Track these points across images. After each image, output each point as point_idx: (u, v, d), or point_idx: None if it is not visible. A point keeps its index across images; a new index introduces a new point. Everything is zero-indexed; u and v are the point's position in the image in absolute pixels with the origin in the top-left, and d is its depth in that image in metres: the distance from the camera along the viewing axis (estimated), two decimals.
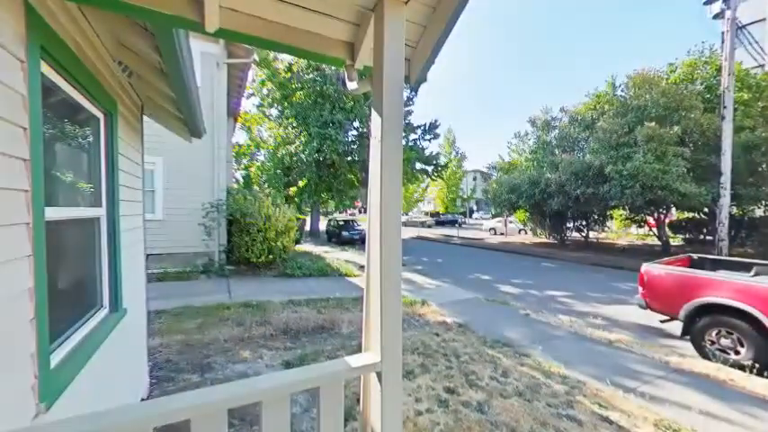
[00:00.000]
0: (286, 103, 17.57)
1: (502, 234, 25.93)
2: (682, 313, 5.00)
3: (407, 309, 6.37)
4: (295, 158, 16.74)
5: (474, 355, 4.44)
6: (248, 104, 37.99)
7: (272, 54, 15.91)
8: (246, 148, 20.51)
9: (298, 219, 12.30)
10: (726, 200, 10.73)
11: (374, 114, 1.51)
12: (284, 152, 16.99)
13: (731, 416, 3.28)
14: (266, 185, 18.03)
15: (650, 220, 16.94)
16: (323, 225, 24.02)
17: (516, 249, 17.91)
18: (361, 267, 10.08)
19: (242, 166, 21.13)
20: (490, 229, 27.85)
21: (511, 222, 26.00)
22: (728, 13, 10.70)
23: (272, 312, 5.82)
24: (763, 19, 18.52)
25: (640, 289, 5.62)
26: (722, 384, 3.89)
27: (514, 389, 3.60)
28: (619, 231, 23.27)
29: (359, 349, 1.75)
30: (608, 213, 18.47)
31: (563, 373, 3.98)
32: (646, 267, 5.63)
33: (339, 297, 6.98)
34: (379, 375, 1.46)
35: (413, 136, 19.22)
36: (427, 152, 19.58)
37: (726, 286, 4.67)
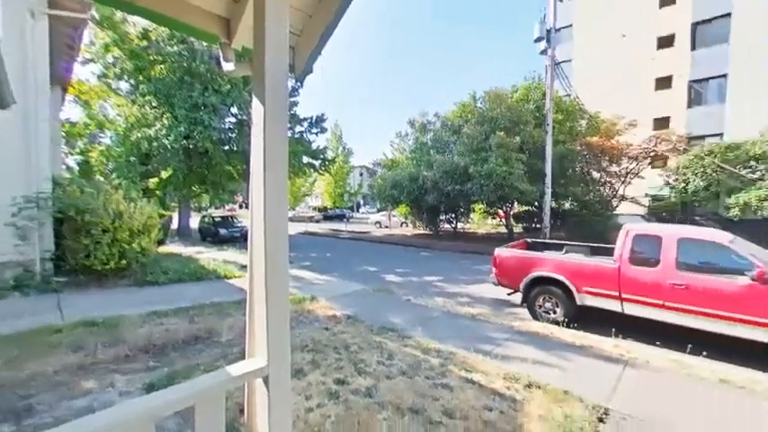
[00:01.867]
0: (141, 77, 14.64)
1: (386, 227, 27.66)
2: (521, 286, 6.30)
3: (296, 307, 6.19)
4: (156, 144, 14.16)
5: (362, 343, 4.63)
6: (85, 72, 30.10)
7: (119, 13, 12.93)
8: (84, 128, 16.28)
9: (161, 216, 10.48)
10: (548, 196, 13.92)
11: (255, 102, 1.40)
12: (140, 136, 14.16)
13: (550, 360, 4.32)
14: (114, 175, 14.75)
15: (500, 212, 20.69)
16: (196, 222, 21.09)
17: (399, 241, 19.40)
18: (244, 267, 9.29)
19: (76, 149, 16.73)
20: (376, 223, 29.37)
21: (394, 216, 27.97)
22: (550, 52, 13.83)
23: (127, 329, 4.83)
24: (570, 60, 24.61)
25: (494, 269, 6.83)
26: (546, 338, 5.08)
27: (399, 369, 3.91)
28: (479, 222, 27.66)
29: (242, 356, 1.62)
30: (471, 207, 21.72)
31: (438, 348, 4.52)
32: (497, 251, 6.87)
33: (218, 302, 6.27)
34: (266, 380, 1.38)
35: (299, 128, 18.62)
36: (314, 146, 19.28)
37: (548, 262, 6.10)
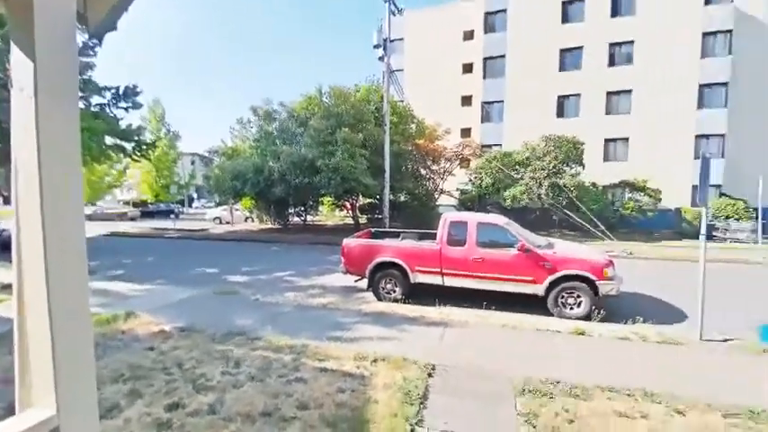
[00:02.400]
0: None
1: (228, 223, 24.90)
2: (366, 272, 6.88)
3: (103, 329, 4.85)
4: None
5: (202, 357, 4.06)
6: None
7: None
8: None
9: None
10: (387, 190, 15.64)
11: (18, 54, 0.99)
12: None
13: (392, 334, 4.92)
14: None
15: (347, 204, 21.87)
16: None
17: (244, 237, 17.83)
18: (7, 288, 6.60)
19: None
20: (215, 219, 26.01)
21: (237, 210, 25.45)
22: (386, 60, 15.38)
23: None
24: (402, 69, 28.06)
25: (342, 259, 7.19)
26: (389, 315, 5.74)
27: (248, 375, 3.64)
28: (328, 215, 28.41)
29: (10, 411, 1.16)
30: (320, 200, 22.05)
31: (291, 344, 4.44)
32: (345, 242, 7.26)
33: None
34: None
35: (99, 99, 14.36)
36: (124, 124, 15.30)
37: (388, 249, 6.87)
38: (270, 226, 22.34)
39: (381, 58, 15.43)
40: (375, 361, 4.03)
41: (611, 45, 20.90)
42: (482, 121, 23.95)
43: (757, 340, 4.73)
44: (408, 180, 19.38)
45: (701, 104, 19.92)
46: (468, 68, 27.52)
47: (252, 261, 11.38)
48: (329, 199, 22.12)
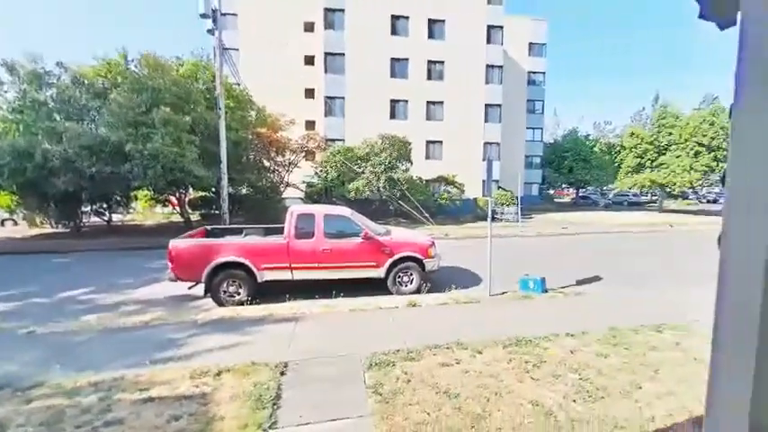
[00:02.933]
0: None
1: None
2: (203, 276, 6.02)
3: None
4: None
5: None
6: None
7: None
8: None
9: None
10: (225, 182, 13.99)
11: None
12: None
13: (238, 339, 4.51)
14: None
15: (173, 199, 18.40)
16: None
17: (3, 249, 12.51)
18: None
19: None
20: None
21: None
22: (216, 34, 13.56)
23: None
24: (237, 49, 25.42)
25: (170, 264, 6.04)
26: (233, 320, 5.21)
27: None
28: (145, 212, 23.17)
29: None
30: (132, 194, 17.74)
31: (94, 381, 3.45)
32: (172, 243, 6.11)
33: None
34: None
35: None
36: None
37: (230, 247, 6.20)
38: (49, 230, 16.48)
39: (211, 32, 13.50)
40: (219, 374, 3.61)
41: (429, 62, 24.94)
42: (326, 115, 24.46)
43: (519, 290, 6.75)
44: (250, 171, 17.91)
45: (486, 119, 26.33)
46: (310, 60, 27.44)
47: (20, 281, 8.12)
48: (147, 193, 18.08)
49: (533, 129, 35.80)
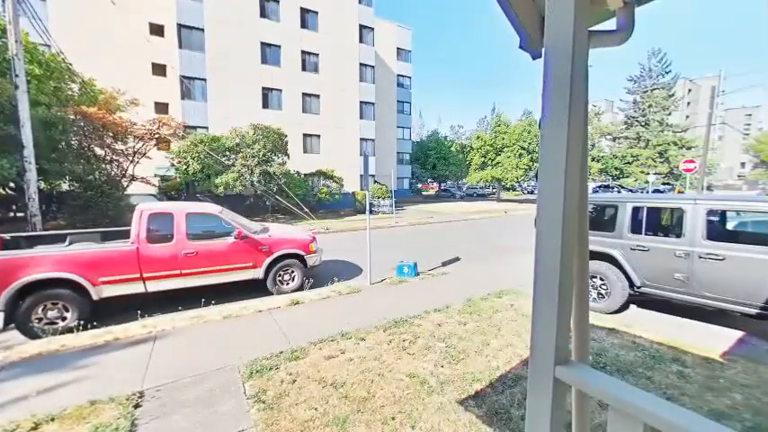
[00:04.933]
0: None
1: None
2: (1, 302, 4.44)
3: None
4: None
5: None
6: None
7: None
8: None
9: None
10: (32, 174, 10.54)
11: None
12: None
13: (66, 378, 3.51)
14: None
15: None
16: None
17: None
18: None
19: None
20: None
21: None
22: None
23: None
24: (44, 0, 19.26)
25: None
26: (57, 355, 4.03)
27: None
28: None
29: None
30: None
31: None
32: None
33: None
34: None
35: None
36: None
37: (45, 260, 4.73)
38: None
39: None
40: (37, 427, 2.75)
41: (304, 52, 24.23)
42: (183, 98, 21.04)
43: (396, 276, 7.35)
44: (74, 161, 13.97)
45: (362, 116, 27.37)
46: (158, 30, 23.04)
47: None
48: None
49: (403, 128, 39.16)
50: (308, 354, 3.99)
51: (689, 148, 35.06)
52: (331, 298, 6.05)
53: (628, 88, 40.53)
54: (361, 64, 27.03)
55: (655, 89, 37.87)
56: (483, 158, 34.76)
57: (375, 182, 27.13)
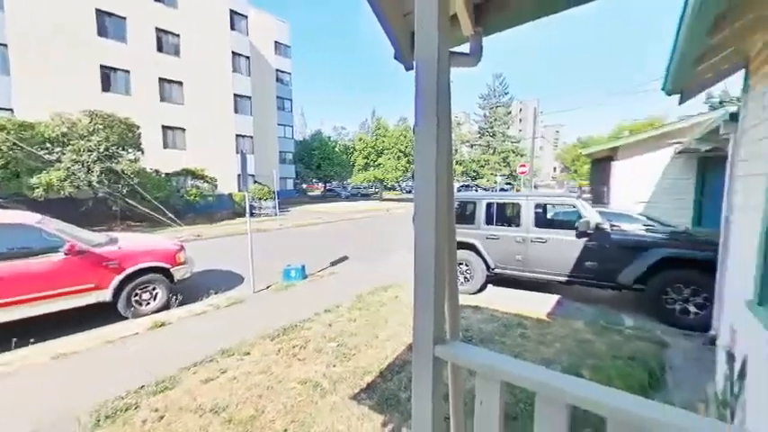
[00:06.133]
0: None
1: None
2: None
3: None
4: None
5: None
6: None
7: None
8: None
9: None
10: None
11: None
12: None
13: None
14: None
15: None
16: None
17: None
18: None
19: None
20: None
21: None
22: None
23: None
24: None
25: None
26: None
27: None
28: None
29: None
30: None
31: None
32: None
33: None
34: None
35: None
36: None
37: None
38: None
39: None
40: None
41: (159, 30, 20.64)
42: None
43: (282, 281, 7.01)
44: None
45: (236, 110, 25.03)
46: None
47: None
48: None
49: (284, 126, 37.62)
50: (180, 382, 3.44)
51: (522, 155, 44.17)
52: (207, 313, 5.36)
53: (480, 104, 48.50)
54: (234, 53, 24.70)
55: (498, 106, 46.39)
56: (365, 160, 36.30)
57: (255, 182, 25.26)
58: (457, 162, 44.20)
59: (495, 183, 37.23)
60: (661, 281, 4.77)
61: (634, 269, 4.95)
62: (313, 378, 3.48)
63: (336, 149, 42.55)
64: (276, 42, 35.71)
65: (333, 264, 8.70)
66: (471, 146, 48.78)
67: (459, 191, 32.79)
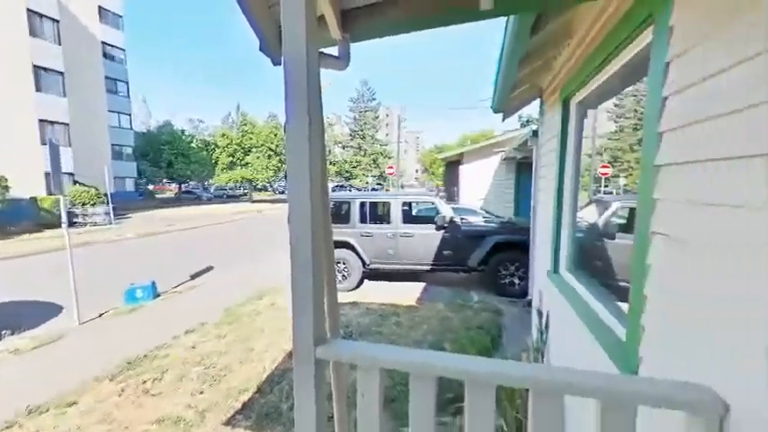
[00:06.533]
0: None
1: None
2: None
3: None
4: None
5: None
6: None
7: None
8: None
9: None
10: None
11: None
12: None
13: None
14: None
15: None
16: None
17: None
18: None
19: None
20: None
21: None
22: None
23: None
24: None
25: None
26: None
27: None
28: None
29: None
30: None
31: None
32: None
33: None
34: None
35: None
36: None
37: None
38: None
39: None
40: None
41: None
42: None
43: (125, 303, 5.70)
44: None
45: (39, 87, 18.97)
46: None
47: None
48: None
49: (119, 113, 30.63)
50: None
51: (390, 158, 47.98)
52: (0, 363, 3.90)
53: (350, 106, 50.28)
54: (31, 11, 18.61)
55: (367, 111, 49.09)
56: (231, 158, 32.94)
57: (76, 182, 19.71)
58: (331, 162, 44.73)
59: (367, 183, 39.36)
60: (495, 261, 5.97)
61: (478, 254, 6.03)
62: (173, 413, 2.97)
63: (194, 145, 36.97)
64: (101, 8, 28.57)
65: (194, 276, 7.57)
66: (344, 147, 50.17)
67: (333, 191, 33.24)
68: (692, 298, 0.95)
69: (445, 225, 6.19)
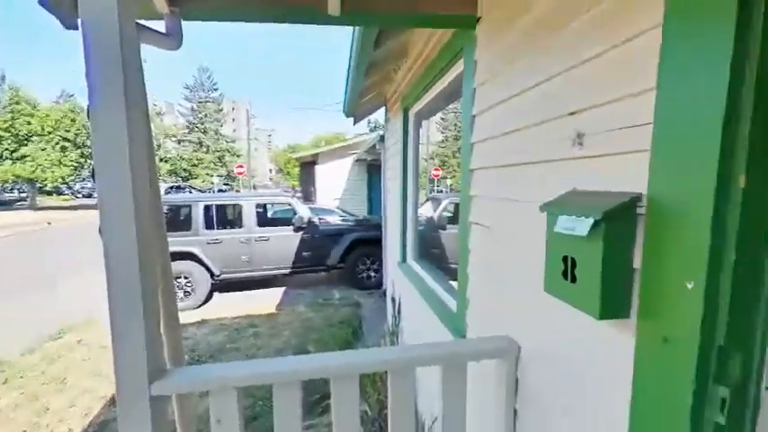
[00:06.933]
0: None
1: None
2: None
3: None
4: None
5: None
6: None
7: None
8: None
9: None
10: None
11: None
12: None
13: None
14: None
15: None
16: None
17: None
18: None
19: None
20: None
21: None
22: None
23: None
24: None
25: None
26: None
27: None
28: None
29: None
30: None
31: None
32: None
33: None
34: None
35: None
36: None
37: None
38: None
39: None
40: None
41: None
42: None
43: None
44: None
45: None
46: None
47: None
48: None
49: None
50: None
51: (238, 156, 43.77)
52: None
53: (185, 95, 43.26)
54: None
55: (208, 102, 43.30)
56: None
57: None
58: (162, 159, 37.40)
59: (213, 184, 34.85)
60: (354, 257, 6.29)
61: (337, 252, 6.21)
62: None
63: None
64: None
65: None
66: (179, 141, 42.78)
67: (167, 193, 27.83)
68: (495, 270, 1.25)
69: (303, 226, 6.11)
